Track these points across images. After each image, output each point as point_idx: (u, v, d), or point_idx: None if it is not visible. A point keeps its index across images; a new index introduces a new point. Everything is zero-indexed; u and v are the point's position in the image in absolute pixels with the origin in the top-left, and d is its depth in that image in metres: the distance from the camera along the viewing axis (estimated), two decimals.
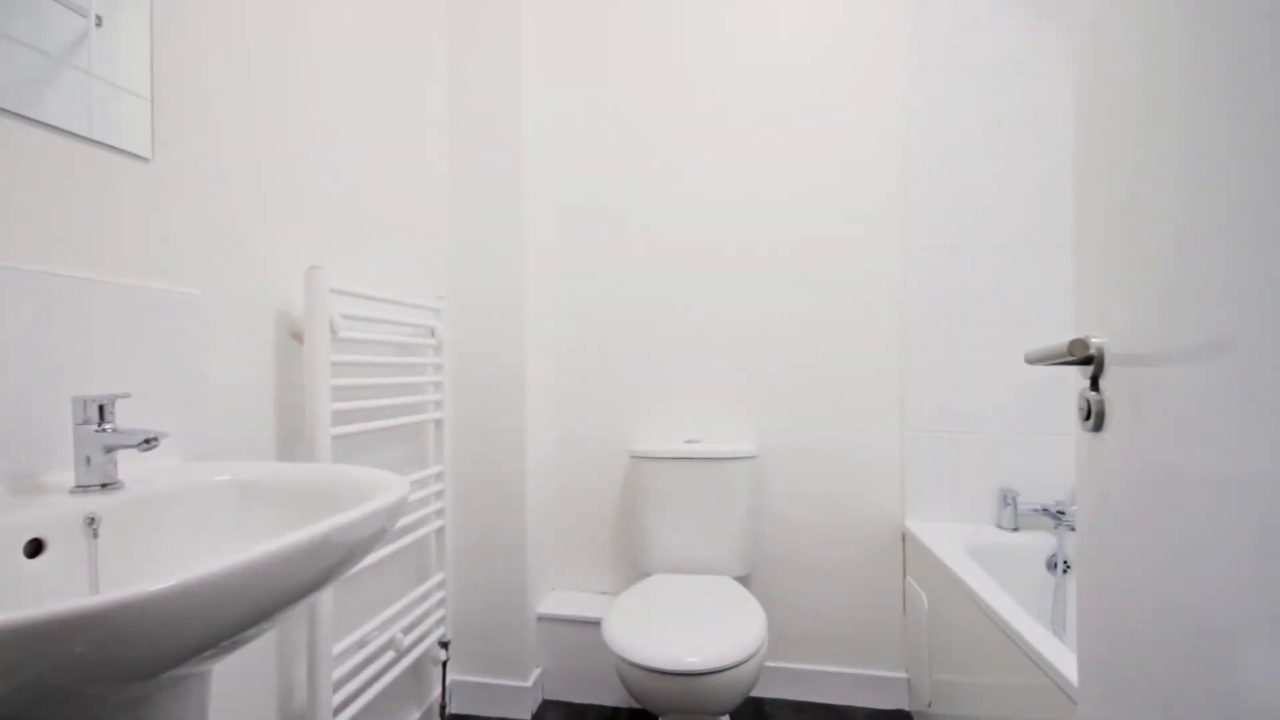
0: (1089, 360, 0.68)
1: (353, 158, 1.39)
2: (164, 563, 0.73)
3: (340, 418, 1.29)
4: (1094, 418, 0.68)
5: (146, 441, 0.73)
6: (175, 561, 0.74)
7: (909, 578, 1.79)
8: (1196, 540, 0.53)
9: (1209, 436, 0.52)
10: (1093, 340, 0.67)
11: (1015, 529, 1.72)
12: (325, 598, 1.15)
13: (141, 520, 0.73)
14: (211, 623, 0.53)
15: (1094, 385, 0.69)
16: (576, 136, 2.02)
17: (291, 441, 1.20)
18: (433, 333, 1.61)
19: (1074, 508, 1.64)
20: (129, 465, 0.84)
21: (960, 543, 1.61)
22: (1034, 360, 0.72)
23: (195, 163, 0.99)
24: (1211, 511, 0.51)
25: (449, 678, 1.81)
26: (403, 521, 1.44)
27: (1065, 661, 1.01)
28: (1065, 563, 1.62)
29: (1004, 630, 1.18)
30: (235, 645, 0.61)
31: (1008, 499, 1.72)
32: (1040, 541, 1.67)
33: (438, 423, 1.65)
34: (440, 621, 1.64)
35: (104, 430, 0.74)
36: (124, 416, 0.85)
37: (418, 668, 1.65)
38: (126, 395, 0.75)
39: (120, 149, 0.86)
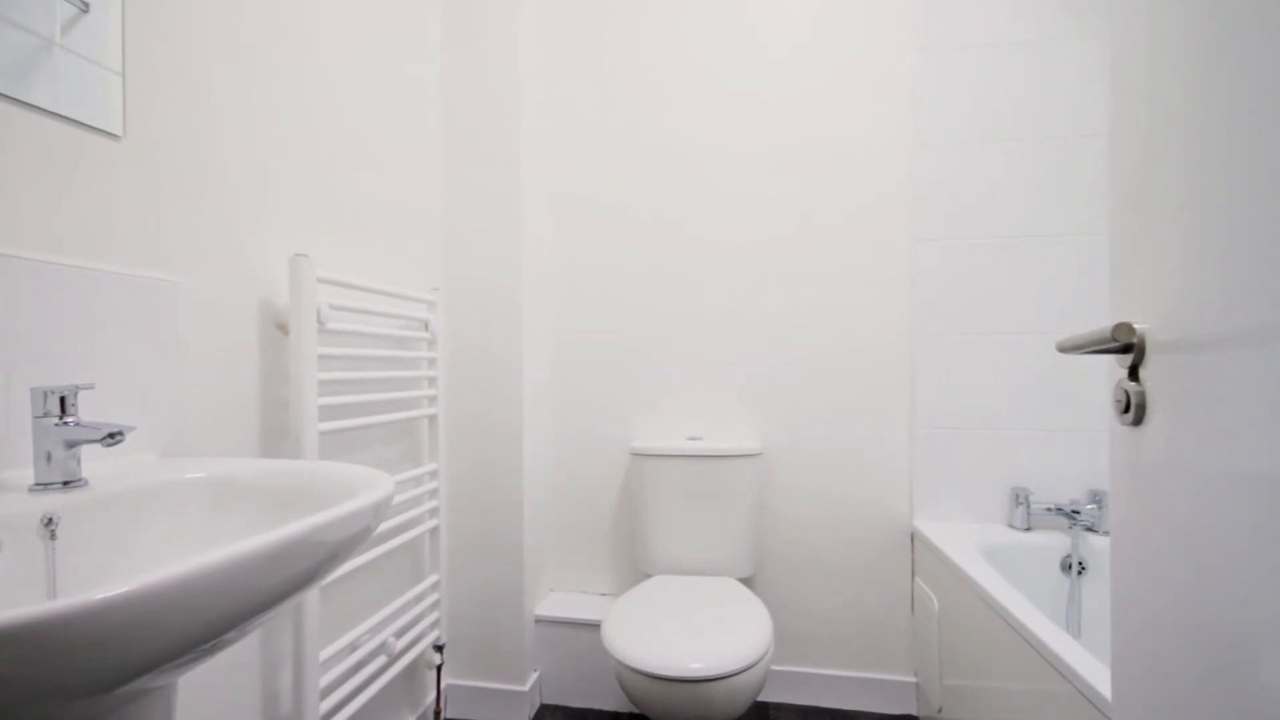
0: (1128, 348, 0.63)
1: (343, 141, 1.34)
2: (128, 566, 0.68)
3: (328, 413, 1.24)
4: (1133, 410, 0.63)
5: (111, 436, 0.68)
6: (140, 564, 0.69)
7: (918, 579, 1.74)
8: (1251, 545, 0.48)
9: (1268, 430, 0.46)
10: (1135, 326, 0.62)
11: (1028, 529, 1.67)
12: (311, 601, 1.10)
13: (105, 521, 0.68)
14: (171, 633, 0.48)
15: (1133, 375, 0.64)
16: (575, 125, 1.97)
17: (277, 438, 1.14)
18: (426, 325, 1.56)
19: (1089, 507, 1.60)
20: (97, 462, 0.79)
21: (973, 543, 1.55)
22: (1068, 348, 0.66)
23: (173, 142, 0.94)
24: (1269, 514, 0.46)
25: (444, 682, 1.76)
26: (395, 521, 1.38)
27: (1088, 667, 0.96)
28: (1081, 564, 1.57)
29: (1024, 635, 1.13)
30: (202, 656, 0.56)
31: (1020, 498, 1.67)
32: (1054, 542, 1.62)
33: (431, 419, 1.60)
34: (435, 624, 1.59)
35: (66, 424, 0.68)
36: (94, 410, 0.80)
37: (411, 672, 1.60)
38: (90, 386, 0.70)
39: (87, 124, 0.81)
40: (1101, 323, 1.69)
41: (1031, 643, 1.10)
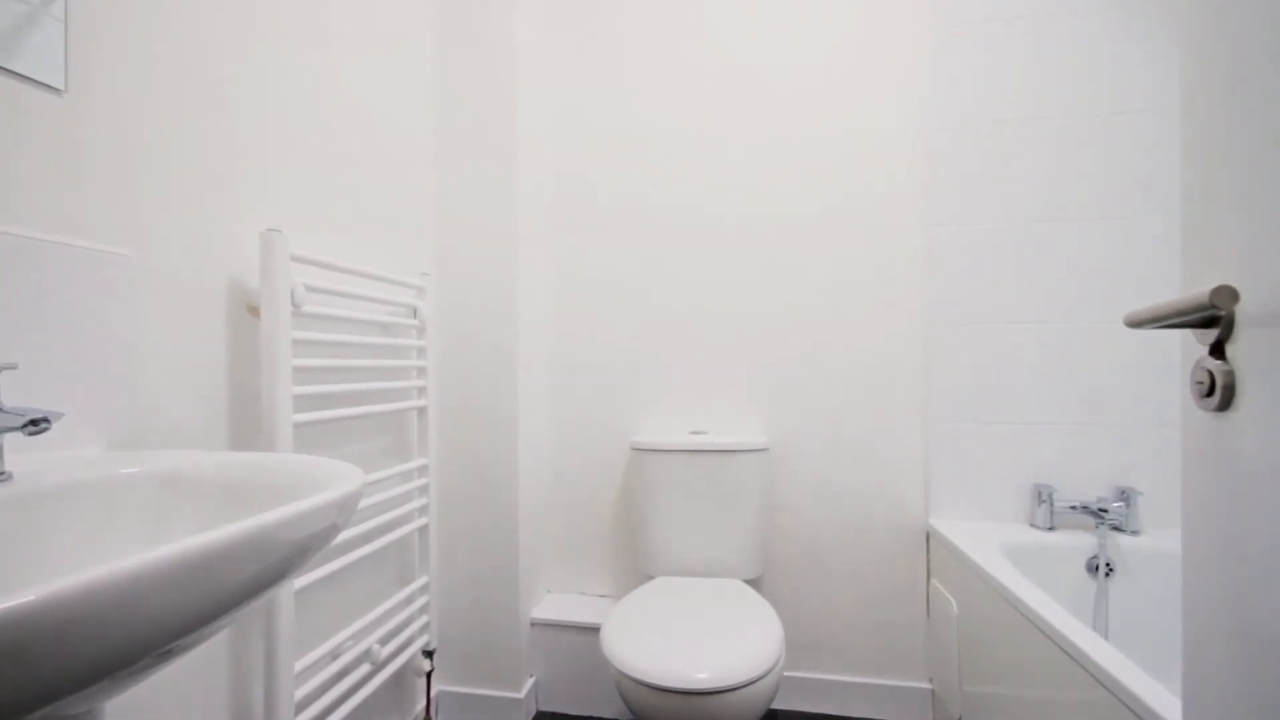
0: (1212, 322, 0.54)
1: (326, 108, 1.25)
2: (51, 571, 0.59)
3: (305, 403, 1.15)
4: (1219, 393, 0.54)
5: (34, 423, 0.59)
6: (66, 569, 0.60)
7: (934, 580, 1.65)
8: None
9: None
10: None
11: (1051, 528, 1.58)
12: (285, 607, 1.01)
13: (27, 520, 0.59)
14: (89, 652, 0.40)
15: (1216, 352, 0.55)
16: (575, 114, 1.88)
17: (249, 430, 1.06)
18: (415, 312, 1.47)
19: (1116, 505, 1.51)
20: (27, 454, 0.70)
21: (994, 543, 1.47)
22: (1143, 321, 0.57)
23: (125, 100, 0.85)
24: None
25: (434, 689, 1.68)
26: (382, 519, 1.30)
27: (1141, 683, 0.87)
28: (1109, 565, 1.48)
29: (1060, 644, 1.04)
30: (134, 676, 0.48)
31: (1043, 495, 1.58)
32: (1079, 542, 1.53)
33: (420, 411, 1.51)
34: (424, 628, 1.50)
35: None
36: (27, 397, 0.71)
37: (400, 679, 1.51)
38: (13, 366, 0.61)
39: (21, 75, 0.72)
40: (1137, 305, 1.59)
41: (1070, 652, 1.01)
